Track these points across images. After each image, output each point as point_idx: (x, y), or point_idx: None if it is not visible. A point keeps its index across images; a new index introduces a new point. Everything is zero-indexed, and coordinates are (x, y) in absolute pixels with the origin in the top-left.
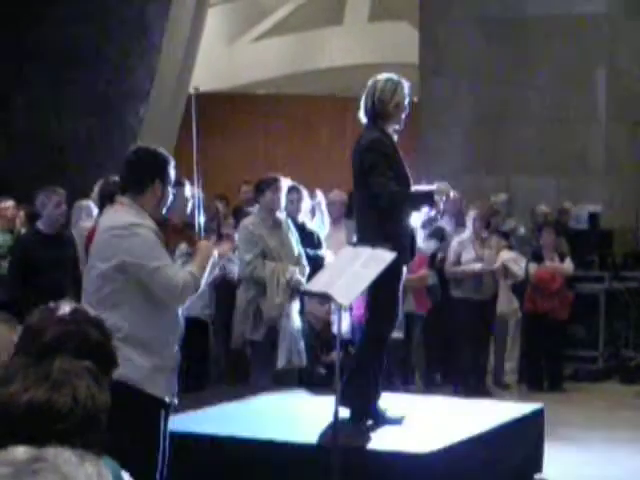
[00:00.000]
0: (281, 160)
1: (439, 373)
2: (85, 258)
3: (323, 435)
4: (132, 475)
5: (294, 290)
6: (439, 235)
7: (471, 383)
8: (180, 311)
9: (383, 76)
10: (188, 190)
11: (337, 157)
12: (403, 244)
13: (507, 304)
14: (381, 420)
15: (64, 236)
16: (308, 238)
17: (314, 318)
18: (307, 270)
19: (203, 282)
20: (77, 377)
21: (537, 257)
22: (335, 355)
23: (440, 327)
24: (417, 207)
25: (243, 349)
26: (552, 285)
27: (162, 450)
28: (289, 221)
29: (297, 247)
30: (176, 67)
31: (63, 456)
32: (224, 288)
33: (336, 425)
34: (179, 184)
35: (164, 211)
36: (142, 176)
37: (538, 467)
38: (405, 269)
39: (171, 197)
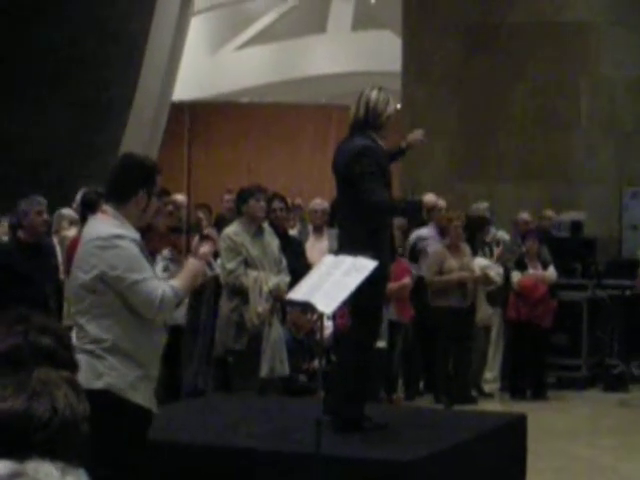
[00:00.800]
0: (264, 168)
1: (422, 381)
2: (67, 267)
3: (306, 443)
4: None
5: (276, 299)
6: None
7: (454, 391)
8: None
9: (375, 87)
10: (180, 197)
11: (320, 165)
12: (385, 251)
13: (485, 312)
14: (364, 428)
15: (44, 245)
16: (291, 246)
17: (296, 326)
18: (289, 279)
19: (181, 299)
20: (55, 387)
21: (520, 265)
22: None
23: (423, 336)
24: (404, 215)
25: (225, 358)
26: (535, 293)
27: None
28: (271, 230)
29: (279, 256)
30: (159, 76)
31: (44, 470)
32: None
33: (319, 433)
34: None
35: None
36: (127, 186)
37: (521, 475)
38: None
39: (155, 206)
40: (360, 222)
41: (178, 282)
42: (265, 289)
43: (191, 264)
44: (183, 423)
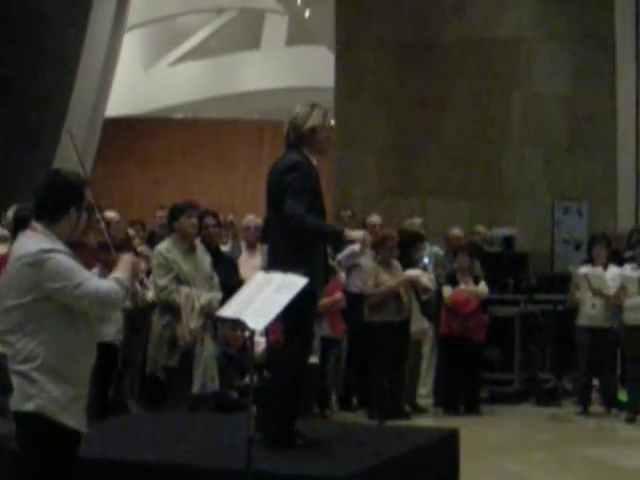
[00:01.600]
0: (198, 184)
1: (355, 397)
2: None
3: (237, 460)
4: None
5: (208, 315)
6: None
7: (387, 406)
8: (94, 339)
9: (306, 103)
10: (112, 214)
11: (253, 181)
12: (316, 269)
13: (419, 325)
14: (296, 445)
15: None
16: (223, 263)
17: (227, 343)
18: (221, 295)
19: (128, 288)
20: None
21: (452, 280)
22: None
23: (356, 351)
24: (322, 241)
25: (157, 374)
26: (466, 308)
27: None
28: (203, 246)
29: (211, 272)
30: (92, 92)
31: None
32: (138, 312)
33: (250, 450)
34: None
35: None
36: (57, 205)
37: None
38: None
39: (85, 220)
40: (291, 240)
41: (117, 274)
42: (197, 306)
43: (124, 258)
44: (113, 440)
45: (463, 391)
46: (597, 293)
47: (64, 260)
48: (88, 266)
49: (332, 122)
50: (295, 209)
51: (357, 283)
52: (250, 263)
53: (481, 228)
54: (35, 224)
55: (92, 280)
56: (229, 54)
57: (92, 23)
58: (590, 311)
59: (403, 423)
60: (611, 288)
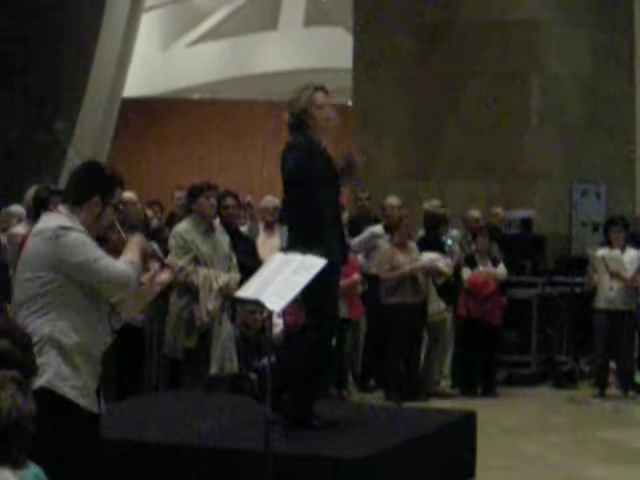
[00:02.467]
0: (216, 165)
1: (372, 378)
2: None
3: (255, 441)
4: None
5: (226, 297)
6: None
7: (404, 388)
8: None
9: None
10: (128, 194)
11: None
12: (333, 247)
13: (437, 307)
14: (314, 426)
15: None
16: (242, 244)
17: (245, 324)
18: (239, 276)
19: (139, 270)
20: (1, 387)
21: (470, 262)
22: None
23: (374, 332)
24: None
25: (176, 356)
26: (485, 290)
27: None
28: (222, 227)
29: (230, 253)
30: (109, 73)
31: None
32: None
33: (268, 431)
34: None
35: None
36: (83, 189)
37: (471, 471)
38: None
39: (111, 216)
40: (307, 221)
41: (128, 256)
42: (215, 287)
43: (133, 239)
44: (131, 421)
45: (480, 373)
46: (615, 276)
47: (82, 237)
48: None
49: (349, 103)
50: (294, 162)
51: (376, 264)
52: (268, 244)
53: (499, 210)
54: (60, 207)
55: (107, 259)
56: (247, 35)
57: (110, 4)
58: (608, 294)
59: (420, 405)
60: (629, 271)
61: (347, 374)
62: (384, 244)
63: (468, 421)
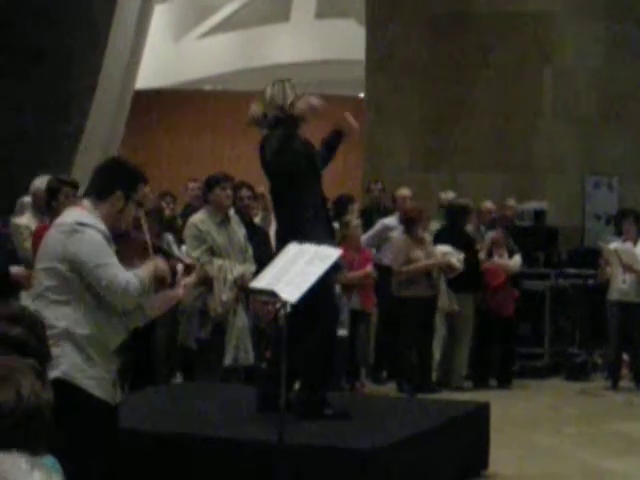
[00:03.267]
0: (227, 156)
1: (385, 370)
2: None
3: (268, 432)
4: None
5: (241, 288)
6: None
7: (417, 380)
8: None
9: (268, 83)
10: None
11: None
12: (323, 238)
13: (446, 300)
14: (327, 416)
15: None
16: (257, 235)
17: (258, 315)
18: (255, 268)
19: (146, 288)
20: (21, 374)
21: (486, 253)
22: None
23: (387, 325)
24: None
25: (190, 346)
26: (494, 281)
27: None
28: (238, 218)
29: (245, 244)
30: (122, 64)
31: (10, 461)
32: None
33: (282, 422)
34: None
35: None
36: (106, 183)
37: (484, 463)
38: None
39: (133, 212)
40: (294, 215)
41: (141, 272)
42: (230, 278)
43: (152, 262)
44: (146, 411)
45: (494, 365)
46: (627, 268)
47: (96, 238)
48: (130, 259)
49: (361, 95)
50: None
51: (388, 256)
52: None
53: (512, 202)
54: (84, 201)
55: (115, 266)
56: (259, 27)
57: None
58: (621, 286)
59: (433, 396)
60: None
61: (360, 366)
62: (398, 236)
63: (481, 413)
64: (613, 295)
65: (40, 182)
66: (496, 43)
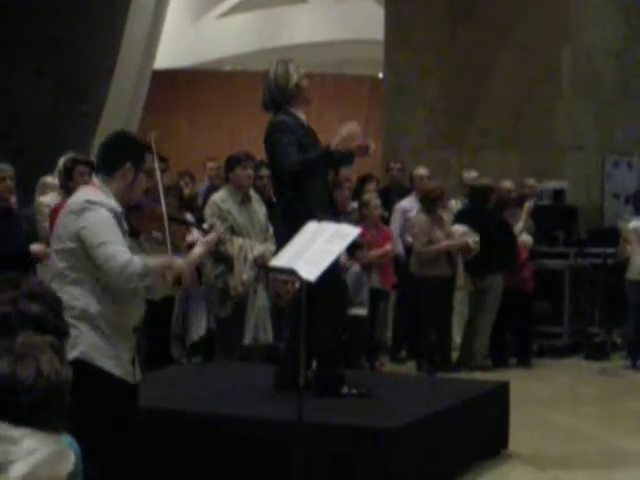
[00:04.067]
0: (246, 137)
1: (404, 349)
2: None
3: (287, 411)
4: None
5: (261, 267)
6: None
7: (436, 359)
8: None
9: (272, 64)
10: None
11: None
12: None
13: (462, 279)
14: (346, 395)
15: (11, 211)
16: (276, 215)
17: (277, 295)
18: (274, 247)
19: (148, 279)
20: (40, 351)
21: None
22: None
23: (406, 303)
24: (317, 166)
25: (210, 325)
26: (520, 258)
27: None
28: (259, 197)
29: (266, 224)
30: (140, 44)
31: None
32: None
33: (300, 401)
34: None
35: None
36: (114, 157)
37: (504, 442)
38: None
39: (144, 183)
40: (288, 200)
41: (150, 260)
42: (250, 257)
43: (177, 262)
44: (166, 391)
45: (514, 343)
46: None
47: (104, 216)
48: (143, 230)
49: (380, 75)
50: (282, 165)
51: (407, 237)
52: None
53: (531, 181)
54: (94, 178)
55: (118, 246)
56: (277, 7)
57: None
58: None
59: (452, 375)
60: None
61: (379, 345)
62: (419, 216)
63: (501, 392)
64: (632, 274)
65: (62, 161)
66: (515, 22)
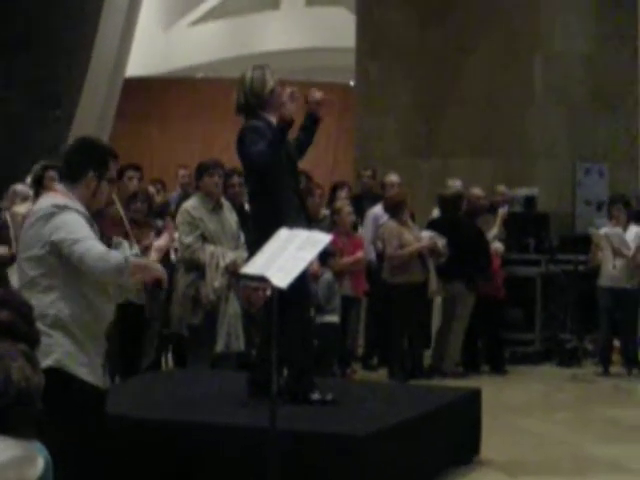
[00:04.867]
0: (218, 144)
1: (376, 356)
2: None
3: (259, 418)
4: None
5: (233, 274)
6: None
7: (408, 366)
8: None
9: (248, 69)
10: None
11: None
12: (297, 224)
13: (434, 285)
14: (315, 400)
15: None
16: (248, 222)
17: (248, 302)
18: (246, 255)
19: (127, 274)
20: (11, 359)
21: None
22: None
23: (378, 310)
24: (283, 141)
25: (181, 333)
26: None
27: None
28: (230, 205)
29: (237, 231)
30: (112, 51)
31: None
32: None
33: (273, 408)
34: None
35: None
36: (77, 166)
37: (476, 449)
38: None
39: (107, 191)
40: (270, 209)
41: (131, 258)
42: (221, 264)
43: (155, 265)
44: (137, 398)
45: (485, 351)
46: (617, 253)
47: (75, 217)
48: (109, 234)
49: (351, 83)
50: (252, 157)
51: (378, 243)
52: None
53: (502, 188)
54: (58, 185)
55: (90, 241)
56: (249, 14)
57: None
58: (611, 272)
59: (424, 382)
60: (632, 249)
61: (351, 352)
62: (388, 222)
63: (473, 399)
64: (604, 281)
65: (34, 171)
66: (485, 28)
